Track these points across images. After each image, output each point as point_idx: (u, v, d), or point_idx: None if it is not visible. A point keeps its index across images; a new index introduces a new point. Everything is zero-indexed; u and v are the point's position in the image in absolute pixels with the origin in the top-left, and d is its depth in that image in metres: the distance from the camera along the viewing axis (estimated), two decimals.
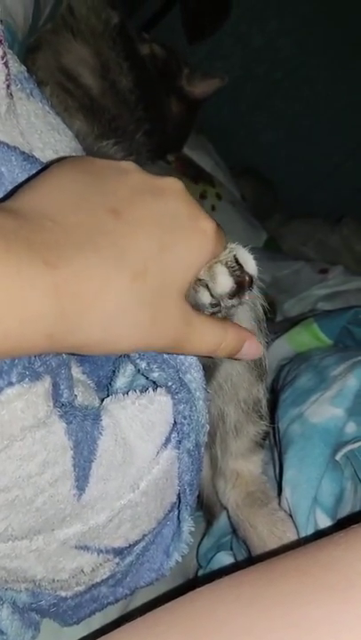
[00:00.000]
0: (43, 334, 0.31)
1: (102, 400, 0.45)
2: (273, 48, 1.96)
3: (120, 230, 0.36)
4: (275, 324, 1.10)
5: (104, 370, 0.48)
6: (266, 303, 0.60)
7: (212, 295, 0.43)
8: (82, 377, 0.47)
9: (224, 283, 0.42)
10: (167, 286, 0.38)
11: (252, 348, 0.45)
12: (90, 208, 0.36)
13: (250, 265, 0.43)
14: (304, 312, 1.18)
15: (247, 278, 0.43)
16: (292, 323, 0.93)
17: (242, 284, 0.43)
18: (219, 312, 0.44)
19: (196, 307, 0.43)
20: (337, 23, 1.90)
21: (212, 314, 0.45)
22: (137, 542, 0.48)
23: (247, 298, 0.44)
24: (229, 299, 0.43)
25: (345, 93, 1.96)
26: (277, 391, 0.72)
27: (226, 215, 1.40)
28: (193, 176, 1.44)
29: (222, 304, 0.44)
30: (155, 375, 0.44)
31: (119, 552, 0.47)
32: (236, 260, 0.43)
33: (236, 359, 0.46)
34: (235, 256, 0.43)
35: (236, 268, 0.42)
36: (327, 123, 1.98)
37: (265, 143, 2.06)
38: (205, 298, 0.43)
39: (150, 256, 0.37)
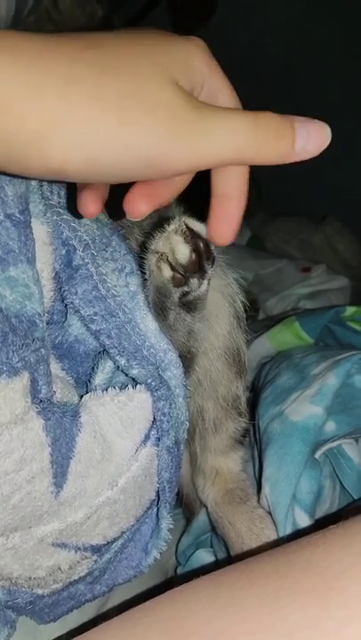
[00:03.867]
0: None
1: (81, 397, 0.45)
2: (259, 46, 1.96)
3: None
4: (257, 321, 1.10)
5: (83, 366, 0.47)
6: (246, 300, 0.60)
7: (173, 269, 0.43)
8: (61, 373, 0.47)
9: (182, 250, 0.43)
10: (143, 63, 0.32)
11: (311, 130, 0.36)
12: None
13: (200, 230, 0.44)
14: (286, 310, 1.19)
15: (201, 244, 0.43)
16: (274, 321, 0.93)
17: (198, 251, 0.43)
18: (189, 294, 0.45)
19: (164, 289, 0.44)
20: (324, 22, 1.90)
21: (183, 302, 0.45)
22: (115, 539, 0.48)
23: (208, 271, 0.44)
24: (193, 272, 0.43)
25: (330, 93, 1.97)
26: (258, 389, 0.73)
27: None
28: None
29: (190, 283, 0.44)
30: (134, 372, 0.44)
31: (97, 549, 0.47)
32: (188, 228, 0.43)
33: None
34: (185, 224, 0.43)
35: (189, 234, 0.43)
36: None
37: None
38: (167, 272, 0.43)
39: (110, 37, 0.33)
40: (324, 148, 0.37)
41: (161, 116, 0.32)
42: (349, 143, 1.96)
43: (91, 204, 0.37)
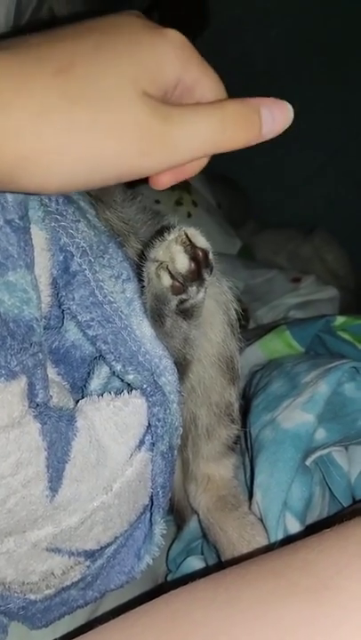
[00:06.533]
0: None
1: (77, 401, 0.45)
2: (248, 60, 1.99)
3: (50, 36, 0.34)
4: (248, 330, 1.11)
5: (79, 371, 0.48)
6: (239, 309, 0.61)
7: (172, 277, 0.44)
8: (57, 378, 0.47)
9: (182, 260, 0.44)
10: (111, 83, 0.33)
11: (276, 114, 0.38)
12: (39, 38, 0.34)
13: (200, 240, 0.45)
14: (276, 320, 1.20)
15: (200, 253, 0.44)
16: (265, 330, 0.94)
17: (197, 260, 0.44)
18: (187, 301, 0.46)
19: (162, 296, 0.45)
20: (313, 38, 1.93)
21: (181, 310, 0.46)
22: (108, 545, 0.48)
23: (207, 279, 0.45)
24: (192, 281, 0.44)
25: (319, 107, 1.99)
26: (250, 397, 0.73)
27: (201, 222, 1.41)
28: None
29: (189, 291, 0.45)
30: (130, 377, 0.44)
31: (90, 554, 0.47)
32: (188, 238, 0.44)
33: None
34: (185, 233, 0.44)
35: (188, 244, 0.44)
36: (300, 135, 2.01)
37: (239, 153, 2.08)
38: (166, 280, 0.44)
39: (80, 52, 0.33)
40: (288, 125, 0.39)
41: (128, 138, 0.33)
42: (337, 156, 1.99)
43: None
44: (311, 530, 0.56)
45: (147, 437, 0.46)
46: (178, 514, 0.70)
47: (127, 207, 0.59)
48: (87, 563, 0.47)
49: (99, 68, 0.33)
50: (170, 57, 0.36)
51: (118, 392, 0.44)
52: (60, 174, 0.33)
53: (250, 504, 0.60)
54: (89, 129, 0.32)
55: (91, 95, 0.32)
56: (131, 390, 0.45)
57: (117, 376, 0.45)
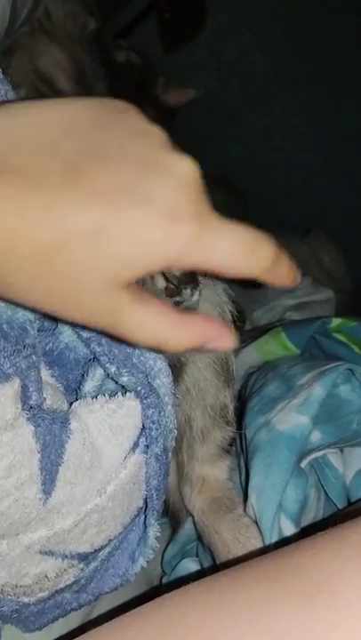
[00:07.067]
0: None
1: (71, 404, 0.45)
2: (246, 62, 1.99)
3: (61, 194, 0.29)
4: (244, 332, 1.11)
5: (73, 373, 0.48)
6: (235, 310, 0.61)
7: (167, 279, 0.44)
8: (51, 380, 0.47)
9: None
10: (89, 277, 0.30)
11: (220, 343, 0.35)
12: (48, 153, 0.30)
13: None
14: (273, 321, 1.20)
15: None
16: (261, 331, 0.94)
17: None
18: (181, 304, 0.46)
19: (156, 296, 0.44)
20: (309, 40, 1.93)
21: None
22: (102, 547, 0.48)
23: (201, 282, 0.45)
24: (186, 283, 0.44)
25: (316, 108, 2.00)
26: (245, 399, 0.73)
27: None
28: None
29: (183, 293, 0.45)
30: (124, 380, 0.44)
31: (84, 557, 0.47)
32: None
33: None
34: None
35: None
36: (297, 137, 2.01)
37: (236, 154, 2.08)
38: (160, 282, 0.45)
39: (75, 230, 0.29)
40: None
41: (104, 314, 0.32)
42: (335, 157, 2.00)
43: None
44: (306, 532, 0.56)
45: (141, 440, 0.46)
46: (173, 516, 0.70)
47: None
48: (81, 565, 0.47)
49: (88, 254, 0.29)
50: (173, 255, 0.31)
51: (112, 394, 0.44)
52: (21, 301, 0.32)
53: (245, 506, 0.60)
54: (58, 302, 0.31)
55: (73, 272, 0.30)
56: (125, 392, 0.44)
57: (111, 378, 0.45)
